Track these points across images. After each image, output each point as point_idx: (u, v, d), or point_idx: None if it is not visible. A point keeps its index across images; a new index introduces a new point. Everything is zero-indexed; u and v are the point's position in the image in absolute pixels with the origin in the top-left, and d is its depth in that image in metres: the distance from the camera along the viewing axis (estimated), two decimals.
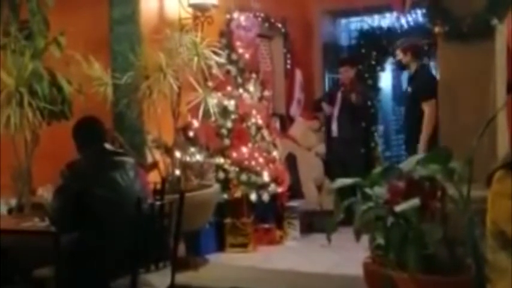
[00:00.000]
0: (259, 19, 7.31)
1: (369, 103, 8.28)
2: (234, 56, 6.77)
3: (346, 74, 7.65)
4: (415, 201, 3.41)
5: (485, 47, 4.74)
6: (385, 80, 9.45)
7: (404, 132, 7.32)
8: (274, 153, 6.83)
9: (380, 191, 3.73)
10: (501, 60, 4.85)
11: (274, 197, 6.65)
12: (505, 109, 4.77)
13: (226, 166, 6.38)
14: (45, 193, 4.52)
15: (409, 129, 6.72)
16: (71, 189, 3.71)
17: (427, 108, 6.12)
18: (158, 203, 4.08)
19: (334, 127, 7.61)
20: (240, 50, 6.82)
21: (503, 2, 4.66)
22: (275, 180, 6.67)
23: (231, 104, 6.53)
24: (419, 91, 6.33)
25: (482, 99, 4.72)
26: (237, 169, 6.40)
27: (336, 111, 7.62)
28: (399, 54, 6.70)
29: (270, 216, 6.69)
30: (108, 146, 4.00)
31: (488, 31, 4.72)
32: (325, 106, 7.79)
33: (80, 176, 3.76)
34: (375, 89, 8.67)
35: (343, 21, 9.24)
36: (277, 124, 7.60)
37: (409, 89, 6.69)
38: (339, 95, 7.64)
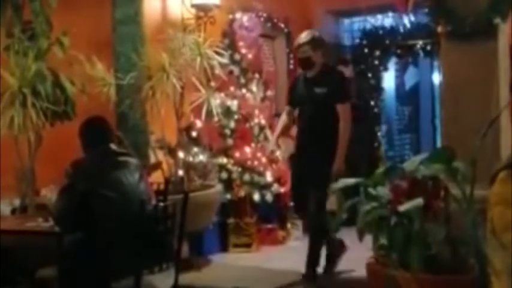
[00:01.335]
0: (262, 19, 7.32)
1: (372, 103, 8.28)
2: (236, 56, 6.78)
3: None
4: (418, 201, 3.40)
5: (488, 46, 4.73)
6: (388, 79, 9.45)
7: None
8: (277, 154, 6.83)
9: (383, 191, 3.72)
10: (504, 60, 4.84)
11: (277, 197, 6.66)
12: (508, 108, 4.76)
13: (229, 166, 6.39)
14: (48, 193, 4.53)
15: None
16: (76, 189, 3.72)
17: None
18: (162, 204, 4.09)
19: None
20: (243, 50, 6.82)
21: (505, 1, 4.65)
22: (278, 180, 6.68)
23: (233, 104, 6.54)
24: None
25: (485, 99, 4.71)
26: (240, 169, 6.41)
27: None
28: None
29: (273, 217, 6.70)
30: (113, 146, 4.01)
31: (491, 30, 4.71)
32: None
33: (85, 175, 3.77)
34: (378, 88, 8.66)
35: (346, 21, 9.24)
36: None
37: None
38: None
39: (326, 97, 5.09)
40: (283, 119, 5.52)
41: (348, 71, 7.74)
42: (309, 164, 5.19)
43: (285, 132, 5.63)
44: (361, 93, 7.89)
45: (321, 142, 5.12)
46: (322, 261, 5.32)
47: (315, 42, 5.18)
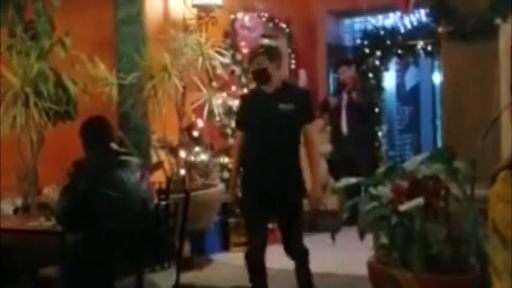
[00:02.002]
0: (264, 19, 7.33)
1: (374, 102, 8.28)
2: (238, 56, 6.80)
3: (345, 74, 7.72)
4: (419, 201, 3.41)
5: (489, 46, 4.74)
6: (389, 79, 9.45)
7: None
8: None
9: (384, 190, 3.72)
10: (505, 60, 4.84)
11: None
12: (509, 108, 4.77)
13: (230, 166, 6.39)
14: (51, 193, 4.55)
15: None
16: (77, 188, 3.73)
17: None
18: (163, 203, 4.10)
19: (344, 126, 7.64)
20: (245, 50, 6.83)
21: (506, 1, 4.66)
22: None
23: (235, 103, 6.54)
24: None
25: (485, 99, 4.71)
26: (241, 169, 6.41)
27: (344, 111, 7.64)
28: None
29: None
30: (114, 145, 4.02)
31: (492, 30, 4.71)
32: (331, 100, 7.83)
33: (86, 175, 3.78)
34: (379, 88, 8.67)
35: (347, 21, 9.25)
36: None
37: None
38: (344, 95, 7.67)
39: (294, 115, 4.27)
40: (240, 152, 4.50)
41: (350, 71, 7.74)
42: (273, 197, 4.31)
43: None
44: (366, 94, 7.85)
45: (287, 169, 4.31)
46: (327, 260, 5.30)
47: (271, 53, 4.43)
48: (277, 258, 6.01)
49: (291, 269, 5.35)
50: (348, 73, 7.71)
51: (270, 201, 4.30)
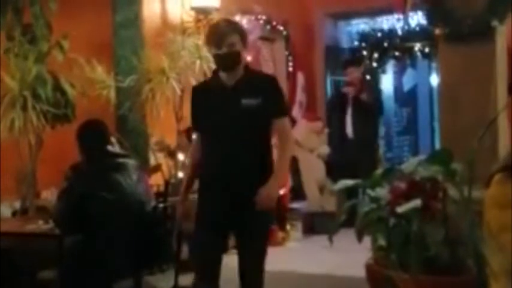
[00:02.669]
0: (261, 22, 7.34)
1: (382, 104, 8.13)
2: None
3: (353, 75, 7.56)
4: (416, 202, 3.41)
5: (485, 48, 4.75)
6: (387, 81, 9.47)
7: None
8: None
9: (382, 192, 3.73)
10: (502, 61, 4.86)
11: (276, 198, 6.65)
12: (506, 110, 4.78)
13: None
14: (49, 196, 4.55)
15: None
16: (75, 191, 3.74)
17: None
18: (161, 205, 4.11)
19: (349, 129, 7.51)
20: None
21: (503, 3, 4.66)
22: None
23: None
24: None
25: (483, 101, 4.72)
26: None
27: (349, 113, 7.52)
28: None
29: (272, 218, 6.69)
30: (111, 148, 4.03)
31: (489, 32, 4.72)
32: (345, 89, 7.61)
33: (84, 178, 3.79)
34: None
35: (345, 23, 9.26)
36: None
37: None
38: (350, 96, 7.55)
39: (261, 111, 3.40)
40: (195, 157, 3.61)
41: (358, 72, 7.65)
42: (234, 218, 3.43)
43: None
44: (375, 95, 7.72)
45: (255, 176, 3.39)
46: (325, 262, 5.30)
47: (243, 32, 3.53)
48: (277, 259, 6.04)
49: (291, 270, 5.37)
50: (356, 74, 7.58)
51: (229, 224, 3.45)
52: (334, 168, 7.33)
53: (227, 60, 3.41)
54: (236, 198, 3.38)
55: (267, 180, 3.36)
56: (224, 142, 3.43)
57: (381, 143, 8.61)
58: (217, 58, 3.43)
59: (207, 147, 3.50)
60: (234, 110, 3.41)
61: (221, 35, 3.41)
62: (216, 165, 3.44)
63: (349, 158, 7.25)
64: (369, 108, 7.41)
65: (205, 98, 3.55)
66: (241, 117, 3.40)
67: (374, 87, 8.05)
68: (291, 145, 3.70)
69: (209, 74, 5.74)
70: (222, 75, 3.47)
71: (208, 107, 3.51)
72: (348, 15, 8.88)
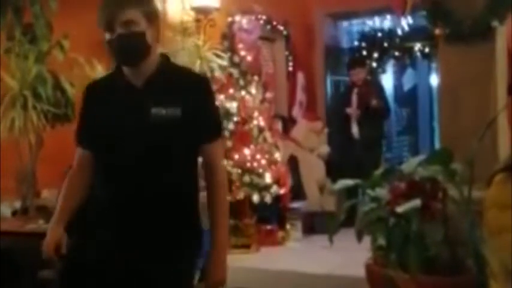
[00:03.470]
0: (261, 22, 7.33)
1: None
2: (236, 59, 6.79)
3: (359, 75, 7.54)
4: (416, 202, 3.41)
5: (485, 48, 4.75)
6: (387, 81, 9.47)
7: None
8: (276, 155, 6.85)
9: (382, 192, 3.73)
10: (502, 62, 4.85)
11: (276, 198, 6.66)
12: (506, 110, 4.78)
13: (228, 168, 6.39)
14: (49, 195, 4.55)
15: None
16: None
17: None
18: None
19: (355, 129, 7.48)
20: (242, 53, 6.83)
21: (503, 3, 4.66)
22: (277, 181, 6.69)
23: (233, 106, 6.55)
24: None
25: (483, 101, 4.72)
26: (239, 171, 6.42)
27: (354, 114, 7.49)
28: None
29: (273, 218, 6.70)
30: None
31: (489, 33, 4.72)
32: (349, 110, 7.52)
33: None
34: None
35: (345, 23, 9.26)
36: (279, 126, 7.61)
37: None
38: (354, 97, 7.51)
39: (181, 127, 2.31)
40: (76, 185, 2.55)
41: (363, 73, 7.62)
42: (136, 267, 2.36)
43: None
44: (382, 97, 7.64)
45: (169, 229, 2.35)
46: (325, 262, 5.30)
47: (149, 7, 2.38)
48: (276, 259, 6.04)
49: (291, 270, 5.37)
50: (361, 74, 7.54)
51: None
52: (339, 169, 7.20)
53: (124, 48, 2.30)
54: (139, 256, 2.35)
55: (188, 242, 2.36)
56: (123, 173, 2.32)
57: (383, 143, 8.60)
58: (110, 46, 2.34)
59: (99, 176, 2.44)
60: (140, 123, 2.30)
61: (111, 10, 2.30)
62: (112, 202, 2.39)
63: (355, 161, 7.17)
64: (377, 112, 7.39)
65: (101, 102, 2.41)
66: (150, 135, 2.29)
67: (381, 91, 7.91)
68: (225, 187, 2.45)
69: (209, 74, 5.77)
70: (127, 71, 2.38)
71: (104, 116, 2.37)
72: (348, 15, 8.87)
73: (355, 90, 7.51)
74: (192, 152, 2.39)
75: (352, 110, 7.48)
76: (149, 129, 2.30)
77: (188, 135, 2.32)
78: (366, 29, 8.91)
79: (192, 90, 2.37)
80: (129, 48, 2.31)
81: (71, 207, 2.53)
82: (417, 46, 8.55)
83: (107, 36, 2.33)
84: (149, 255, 2.34)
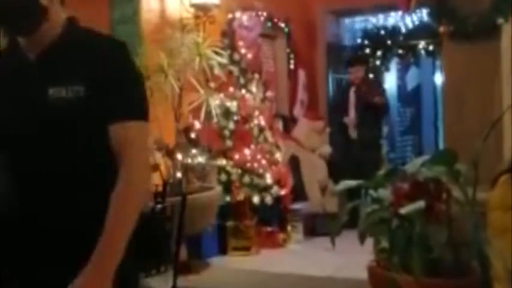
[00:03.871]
0: (262, 19, 7.27)
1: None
2: (236, 56, 6.73)
3: (357, 73, 7.46)
4: (419, 204, 3.39)
5: (490, 46, 4.72)
6: (390, 80, 9.41)
7: None
8: (277, 155, 6.79)
9: (384, 193, 3.70)
10: (507, 60, 4.81)
11: (277, 199, 6.61)
12: (511, 109, 4.73)
13: (228, 168, 6.34)
14: None
15: None
16: None
17: None
18: (160, 206, 4.04)
19: (352, 129, 7.42)
20: (243, 50, 6.77)
21: (508, 1, 4.63)
22: (278, 182, 6.63)
23: (233, 105, 6.48)
24: None
25: (487, 100, 4.69)
26: (239, 171, 6.36)
27: (352, 113, 7.42)
28: None
29: (273, 219, 6.65)
30: None
31: (494, 30, 4.70)
32: (346, 119, 7.47)
33: None
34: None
35: (347, 20, 9.21)
36: (280, 125, 7.55)
37: None
38: (352, 95, 7.44)
39: (87, 108, 1.81)
40: None
41: (363, 70, 7.54)
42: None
43: None
44: (382, 95, 7.57)
45: (77, 233, 1.88)
46: (326, 264, 5.25)
47: None
48: (277, 262, 5.99)
49: (292, 273, 5.33)
50: (360, 72, 7.47)
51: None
52: (339, 169, 7.17)
53: (5, 10, 1.82)
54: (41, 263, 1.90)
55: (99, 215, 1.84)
56: (21, 164, 1.88)
57: (384, 143, 8.53)
58: None
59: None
60: (36, 105, 1.84)
61: None
62: (5, 202, 1.89)
63: (354, 161, 7.15)
64: (378, 110, 7.32)
65: (8, 82, 1.91)
66: (48, 120, 1.83)
67: (382, 87, 7.87)
68: (136, 189, 1.88)
69: (209, 72, 5.71)
70: (22, 41, 1.89)
71: None
72: (350, 12, 8.82)
73: (353, 89, 7.44)
74: (102, 138, 1.82)
75: (349, 120, 7.44)
76: (48, 112, 1.81)
77: (95, 116, 1.80)
78: (369, 26, 8.85)
79: (100, 61, 1.82)
80: (12, 11, 1.80)
81: None
82: (421, 44, 8.49)
83: None
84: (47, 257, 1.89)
